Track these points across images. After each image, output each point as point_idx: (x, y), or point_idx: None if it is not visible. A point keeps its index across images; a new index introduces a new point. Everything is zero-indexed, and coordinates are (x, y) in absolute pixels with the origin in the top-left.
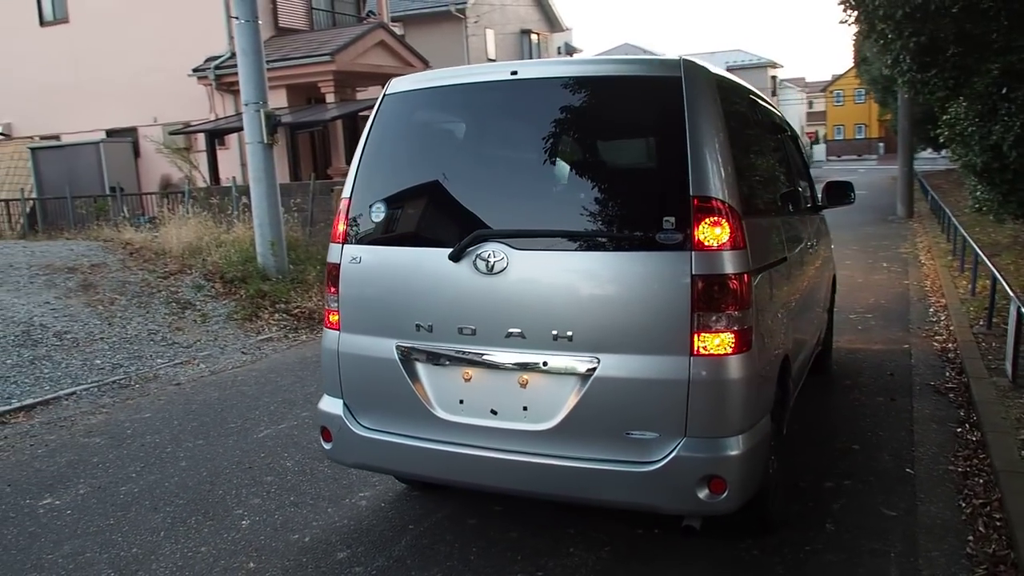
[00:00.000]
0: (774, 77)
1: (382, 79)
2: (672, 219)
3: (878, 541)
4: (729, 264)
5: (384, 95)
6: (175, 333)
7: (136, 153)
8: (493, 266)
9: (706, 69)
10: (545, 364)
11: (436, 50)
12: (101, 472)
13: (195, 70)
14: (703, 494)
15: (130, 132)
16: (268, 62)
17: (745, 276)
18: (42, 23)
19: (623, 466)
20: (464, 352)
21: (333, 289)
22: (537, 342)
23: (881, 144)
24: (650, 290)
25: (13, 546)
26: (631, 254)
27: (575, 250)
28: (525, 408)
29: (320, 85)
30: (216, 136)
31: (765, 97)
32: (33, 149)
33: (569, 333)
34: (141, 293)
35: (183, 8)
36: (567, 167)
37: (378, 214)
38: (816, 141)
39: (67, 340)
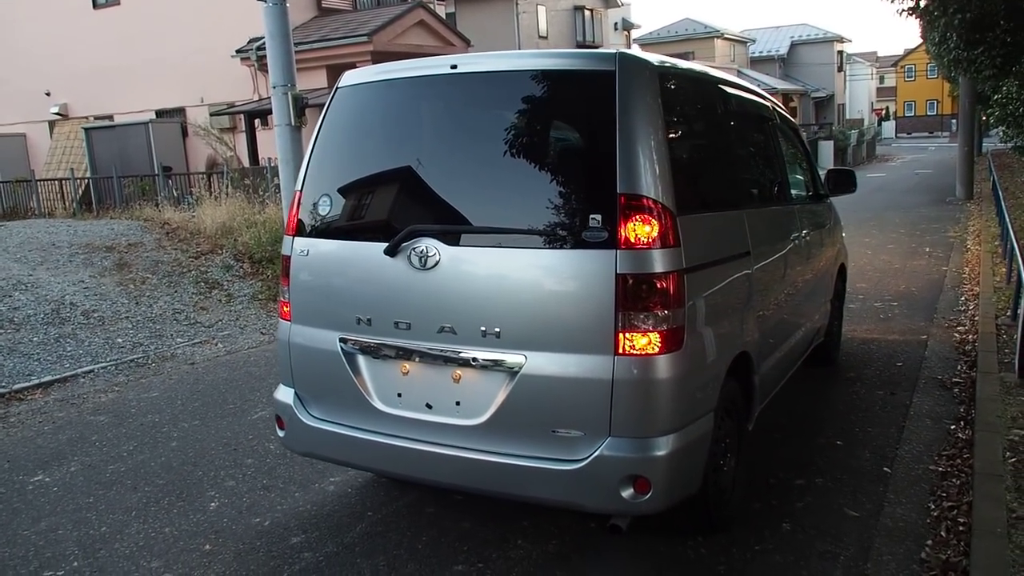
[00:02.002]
0: (841, 52)
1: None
2: (599, 217)
3: (832, 543)
4: (658, 263)
5: (336, 88)
6: (199, 313)
7: (184, 133)
8: (426, 261)
9: (647, 63)
10: (475, 360)
11: (487, 29)
12: (96, 450)
13: (238, 51)
14: (627, 494)
15: (178, 112)
16: (308, 43)
17: (674, 275)
18: (95, 6)
19: (549, 463)
20: (400, 346)
21: (285, 281)
22: (467, 338)
23: (954, 121)
24: (576, 288)
25: None
26: (558, 251)
27: (505, 246)
28: (458, 403)
29: (359, 65)
30: (256, 117)
31: (750, 87)
32: (87, 129)
33: (497, 329)
34: (172, 272)
35: None
36: (501, 162)
37: (325, 207)
38: (885, 118)
39: (94, 319)
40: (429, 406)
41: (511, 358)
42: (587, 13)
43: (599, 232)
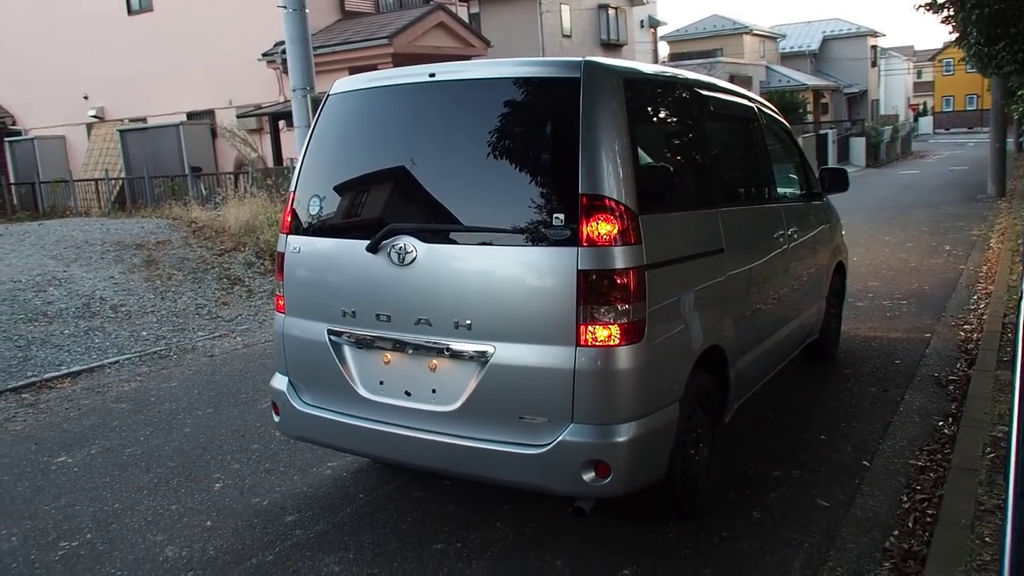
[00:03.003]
0: (875, 47)
1: (443, 61)
2: (562, 216)
3: (799, 531)
4: (618, 259)
5: (327, 95)
6: (221, 307)
7: (213, 135)
8: (404, 258)
9: (612, 70)
10: (448, 350)
11: (510, 29)
12: (115, 435)
13: (264, 55)
14: (588, 477)
15: (208, 114)
16: (330, 45)
17: (634, 271)
18: (129, 12)
19: (517, 448)
20: (382, 337)
21: (280, 276)
22: (442, 329)
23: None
24: (541, 283)
25: (20, 497)
26: (525, 249)
27: (476, 244)
28: (434, 391)
29: (380, 67)
30: (280, 118)
31: (734, 89)
32: (121, 131)
33: (468, 321)
34: (196, 269)
35: None
36: (475, 164)
37: (315, 207)
38: (922, 113)
39: (121, 312)
40: (408, 393)
41: (481, 348)
42: (611, 12)
43: (562, 230)
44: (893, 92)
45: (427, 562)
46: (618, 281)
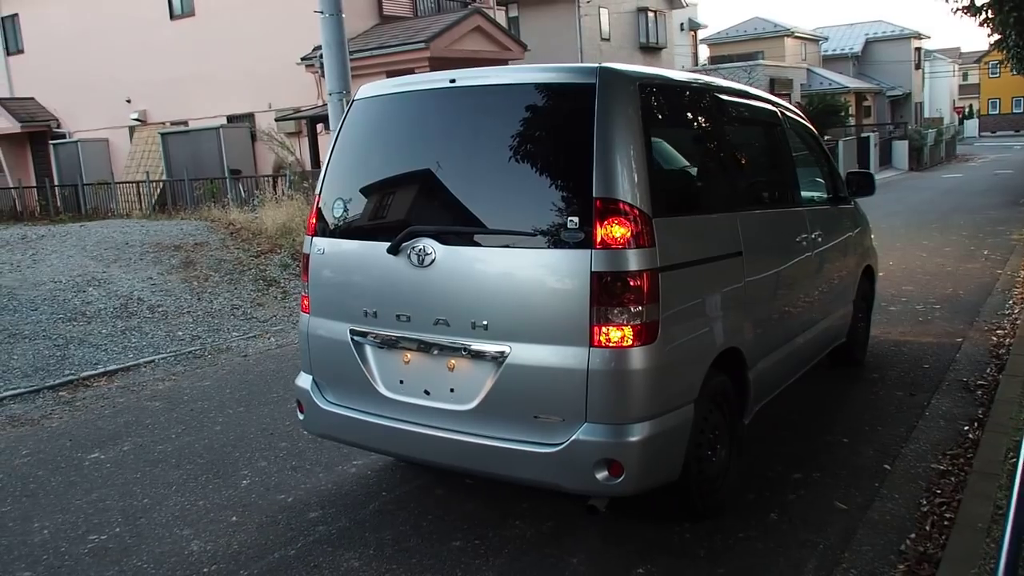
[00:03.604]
0: (918, 49)
1: (480, 64)
2: (576, 219)
3: (815, 533)
4: (631, 261)
5: (352, 100)
6: (256, 308)
7: (253, 138)
8: (423, 259)
9: (627, 75)
10: (466, 350)
11: (549, 32)
12: (148, 432)
13: (303, 59)
14: (601, 476)
15: (248, 118)
16: (368, 50)
17: (647, 273)
18: (172, 17)
19: (532, 446)
20: (402, 337)
21: (305, 277)
22: (459, 330)
23: None
24: (556, 284)
25: (53, 491)
26: (541, 251)
27: (493, 246)
28: (452, 390)
29: (418, 71)
30: (318, 121)
31: (756, 93)
32: (163, 134)
33: (485, 322)
34: (233, 271)
35: None
36: (493, 168)
37: (339, 210)
38: (967, 116)
39: (158, 313)
40: (427, 392)
41: (497, 348)
42: (650, 15)
43: (576, 233)
44: (938, 95)
45: (445, 559)
46: (631, 283)
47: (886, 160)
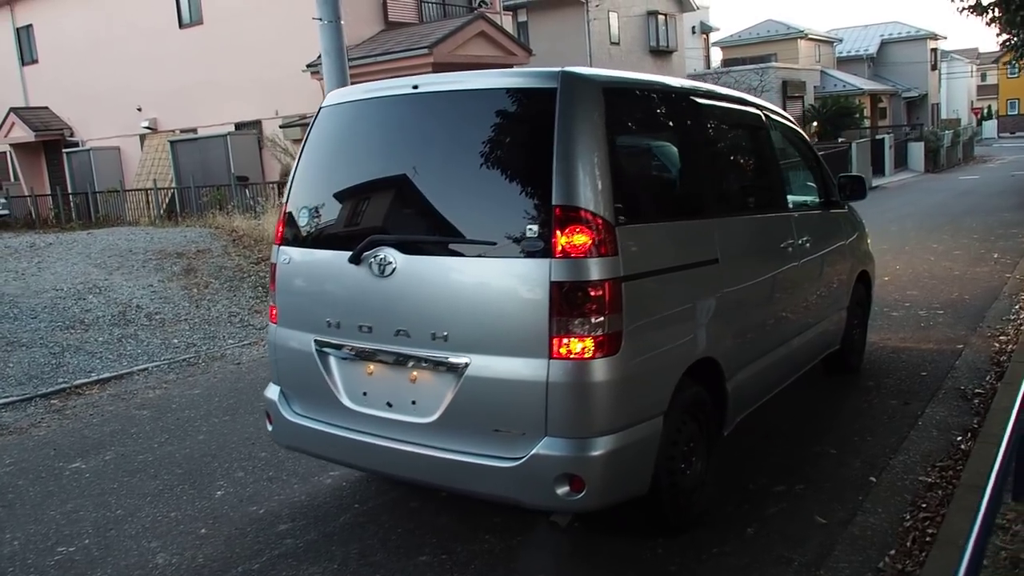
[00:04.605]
0: (935, 50)
1: (484, 69)
2: (536, 227)
3: (791, 548)
4: (592, 271)
5: (320, 108)
6: (253, 316)
7: (260, 145)
8: (384, 269)
9: (590, 80)
10: (427, 361)
11: (558, 37)
12: (132, 441)
13: (308, 66)
14: (562, 491)
15: (255, 125)
16: (373, 56)
17: (609, 283)
18: (181, 25)
19: (491, 460)
20: (364, 348)
21: (272, 286)
22: (420, 341)
23: None
24: (515, 294)
25: (30, 502)
26: (500, 260)
27: (452, 255)
28: (414, 402)
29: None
30: None
31: (736, 96)
32: (172, 142)
33: (445, 333)
34: (233, 278)
35: (300, 6)
36: (455, 175)
37: (304, 219)
38: (986, 117)
39: (155, 320)
40: (390, 404)
41: (457, 360)
42: (660, 18)
43: (536, 242)
44: (955, 96)
45: (410, 574)
46: (592, 293)
47: (901, 162)
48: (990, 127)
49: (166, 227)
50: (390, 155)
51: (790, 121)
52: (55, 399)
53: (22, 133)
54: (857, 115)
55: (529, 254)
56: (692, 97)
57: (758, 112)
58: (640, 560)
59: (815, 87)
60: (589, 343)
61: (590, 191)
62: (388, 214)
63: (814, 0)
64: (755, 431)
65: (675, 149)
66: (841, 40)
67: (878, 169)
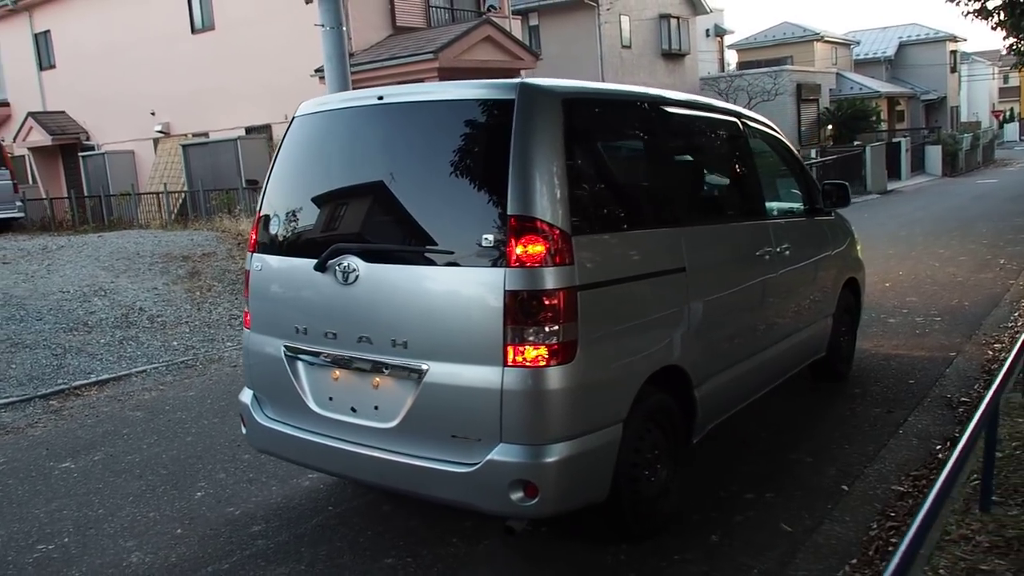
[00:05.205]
0: (954, 52)
1: (491, 74)
2: (491, 237)
3: (753, 557)
4: (547, 280)
5: (293, 117)
6: None
7: (270, 148)
8: (348, 277)
9: (549, 91)
10: (388, 368)
11: (569, 41)
12: (122, 442)
13: (316, 71)
14: (516, 497)
15: (265, 129)
16: (380, 60)
17: (564, 292)
18: (193, 31)
19: (449, 466)
20: (330, 354)
21: (246, 292)
22: (381, 347)
23: None
24: (471, 303)
25: (17, 500)
26: (457, 269)
27: (412, 263)
28: (376, 407)
29: (427, 82)
30: None
31: (712, 104)
32: (183, 146)
33: (404, 340)
34: (236, 280)
35: (308, 13)
36: (416, 185)
37: (275, 227)
38: (1008, 119)
39: (157, 323)
40: (354, 410)
41: (416, 366)
42: (673, 21)
43: (491, 251)
44: (975, 98)
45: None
46: (546, 302)
47: (918, 166)
48: (1012, 130)
49: (174, 230)
50: (357, 165)
51: (772, 129)
52: (54, 400)
53: (39, 137)
54: (873, 118)
55: (485, 263)
56: (660, 106)
57: (734, 120)
58: (600, 566)
59: (831, 90)
60: (543, 351)
61: (546, 201)
62: (353, 222)
63: (832, 3)
64: (732, 438)
65: (640, 159)
66: (859, 42)
67: (894, 173)
